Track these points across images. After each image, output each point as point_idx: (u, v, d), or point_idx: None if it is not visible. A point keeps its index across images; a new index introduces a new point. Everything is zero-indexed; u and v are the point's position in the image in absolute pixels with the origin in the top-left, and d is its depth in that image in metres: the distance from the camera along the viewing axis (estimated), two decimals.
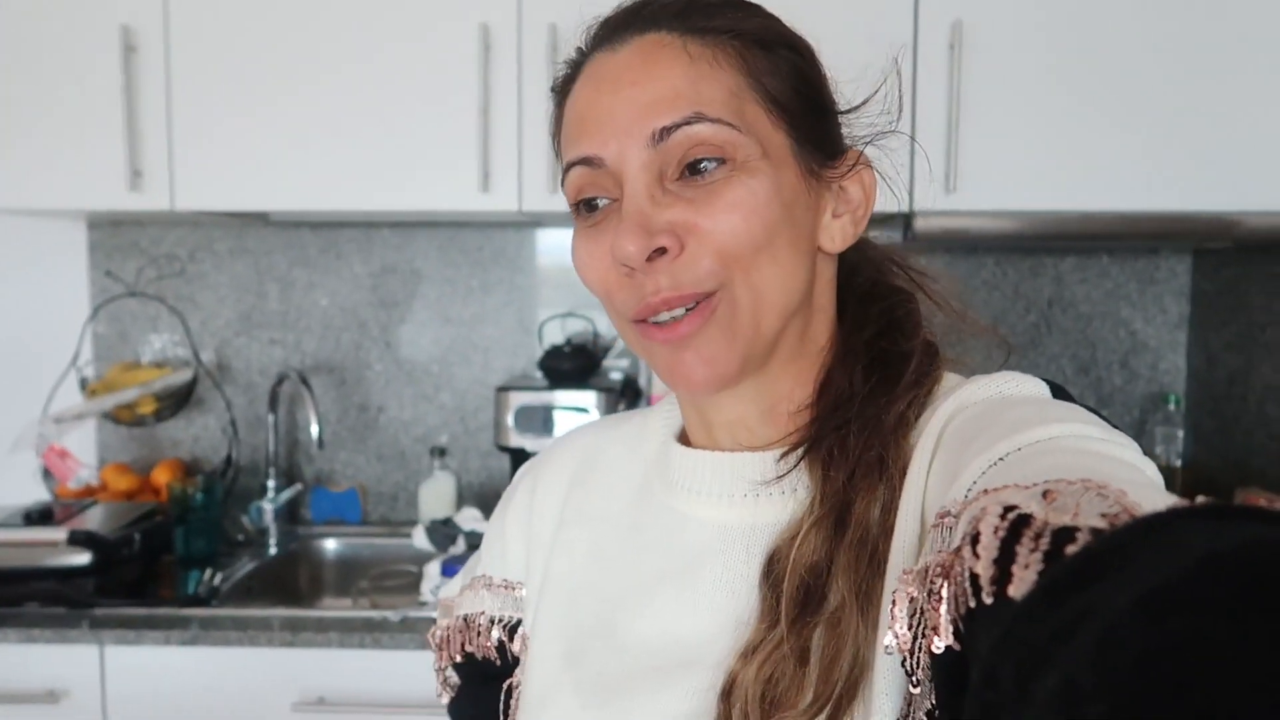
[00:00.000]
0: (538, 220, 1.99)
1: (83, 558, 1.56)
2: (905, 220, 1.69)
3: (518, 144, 1.69)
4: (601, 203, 0.57)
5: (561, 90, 0.61)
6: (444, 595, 0.76)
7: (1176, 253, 2.04)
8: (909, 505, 0.50)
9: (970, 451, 0.46)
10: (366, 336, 2.12)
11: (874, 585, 0.50)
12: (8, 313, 2.11)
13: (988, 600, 0.35)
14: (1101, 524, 0.34)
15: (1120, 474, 0.40)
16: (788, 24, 0.60)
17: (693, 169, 0.54)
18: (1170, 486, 1.90)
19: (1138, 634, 0.23)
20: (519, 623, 0.68)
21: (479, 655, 0.69)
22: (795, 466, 0.56)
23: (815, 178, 0.57)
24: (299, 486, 2.07)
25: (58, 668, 1.54)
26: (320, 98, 1.71)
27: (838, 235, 0.59)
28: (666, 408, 0.68)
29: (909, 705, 0.46)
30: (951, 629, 0.39)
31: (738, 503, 0.58)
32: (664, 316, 0.54)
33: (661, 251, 0.53)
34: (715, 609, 0.57)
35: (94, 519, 1.71)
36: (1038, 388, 0.54)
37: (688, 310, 0.54)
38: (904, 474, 0.52)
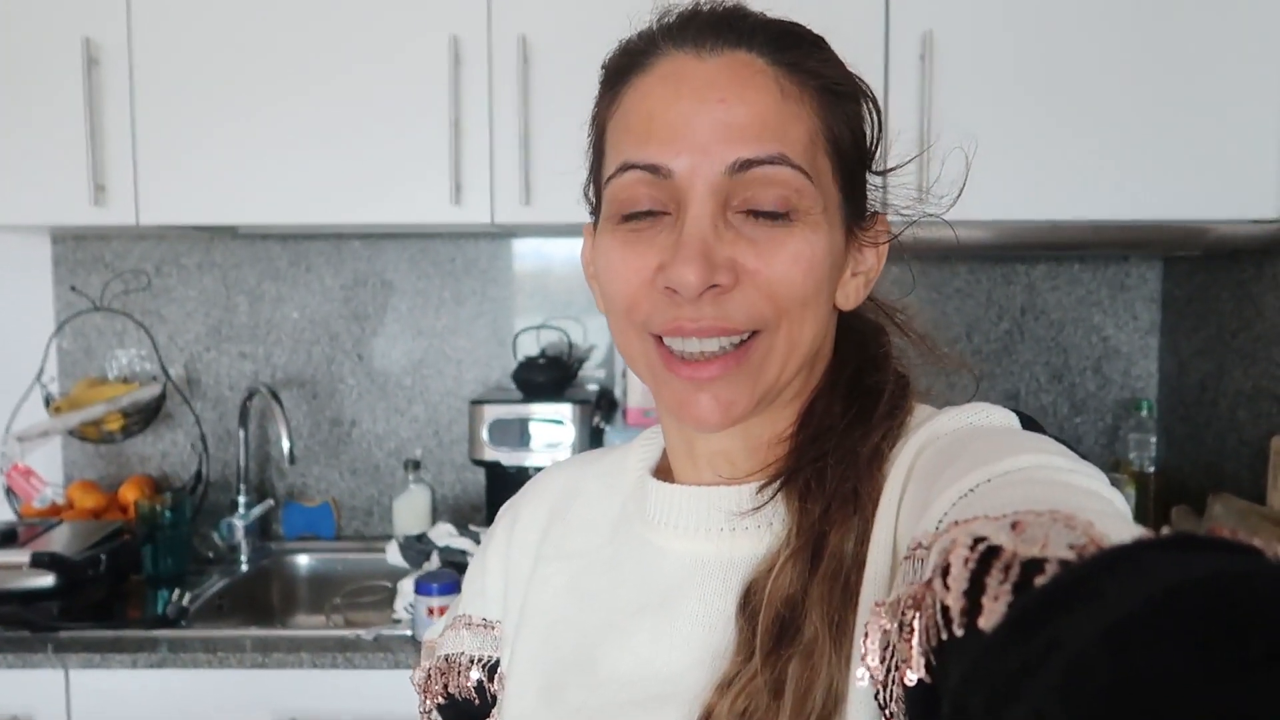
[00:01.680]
0: (510, 231, 1.98)
1: (46, 580, 1.53)
2: None
3: (489, 156, 1.67)
4: (652, 213, 0.55)
5: (619, 73, 0.58)
6: (428, 637, 0.75)
7: (1147, 259, 2.05)
8: (880, 537, 0.51)
9: (941, 483, 0.47)
10: (338, 349, 2.10)
11: (847, 617, 0.50)
12: None
13: (958, 632, 0.36)
14: (1069, 555, 0.34)
15: (1088, 505, 0.40)
16: (861, 78, 0.59)
17: (760, 209, 0.53)
18: (1143, 492, 1.92)
19: (1104, 666, 0.23)
20: (498, 662, 0.68)
21: (459, 696, 0.69)
22: (772, 499, 0.56)
23: (851, 237, 0.58)
24: (270, 502, 2.05)
25: (21, 693, 1.51)
26: (289, 109, 1.69)
27: (851, 294, 0.59)
28: (643, 442, 0.68)
29: None
30: (923, 661, 0.39)
31: (714, 536, 0.58)
32: (693, 346, 0.53)
33: (714, 286, 0.52)
34: (692, 642, 0.57)
35: (59, 539, 1.67)
36: (1007, 418, 0.54)
37: (720, 350, 0.53)
38: (876, 506, 0.52)
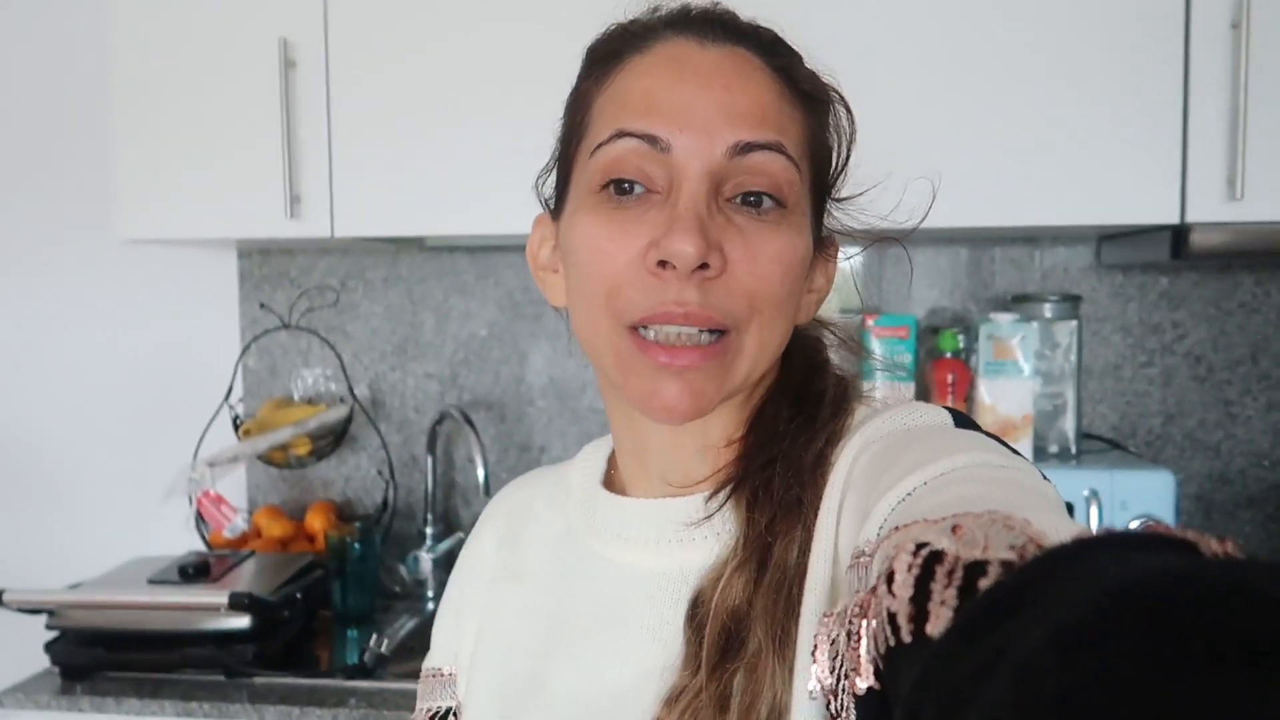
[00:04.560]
0: None
1: (242, 621, 1.42)
2: (1175, 234, 1.43)
3: None
4: (637, 189, 0.54)
5: (611, 54, 0.58)
6: (427, 665, 0.74)
7: None
8: (821, 546, 0.52)
9: (879, 489, 0.47)
10: (528, 369, 1.95)
11: (789, 629, 0.51)
12: (159, 346, 2.02)
13: (907, 639, 0.36)
14: (1010, 556, 0.35)
15: (1024, 500, 0.41)
16: (846, 100, 0.61)
17: (749, 198, 0.53)
18: None
19: (1052, 673, 0.24)
20: (449, 711, 0.69)
21: None
22: (721, 507, 0.56)
23: (814, 251, 0.59)
24: (460, 535, 1.91)
25: None
26: (483, 115, 1.54)
27: (804, 310, 0.60)
28: (585, 456, 0.68)
29: None
30: (872, 669, 0.39)
31: (665, 548, 0.58)
32: (672, 331, 0.53)
33: (703, 267, 0.51)
34: (643, 656, 0.56)
35: (251, 574, 1.57)
36: (940, 416, 0.55)
37: (701, 334, 0.53)
38: (817, 513, 0.53)
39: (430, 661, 0.73)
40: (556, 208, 0.61)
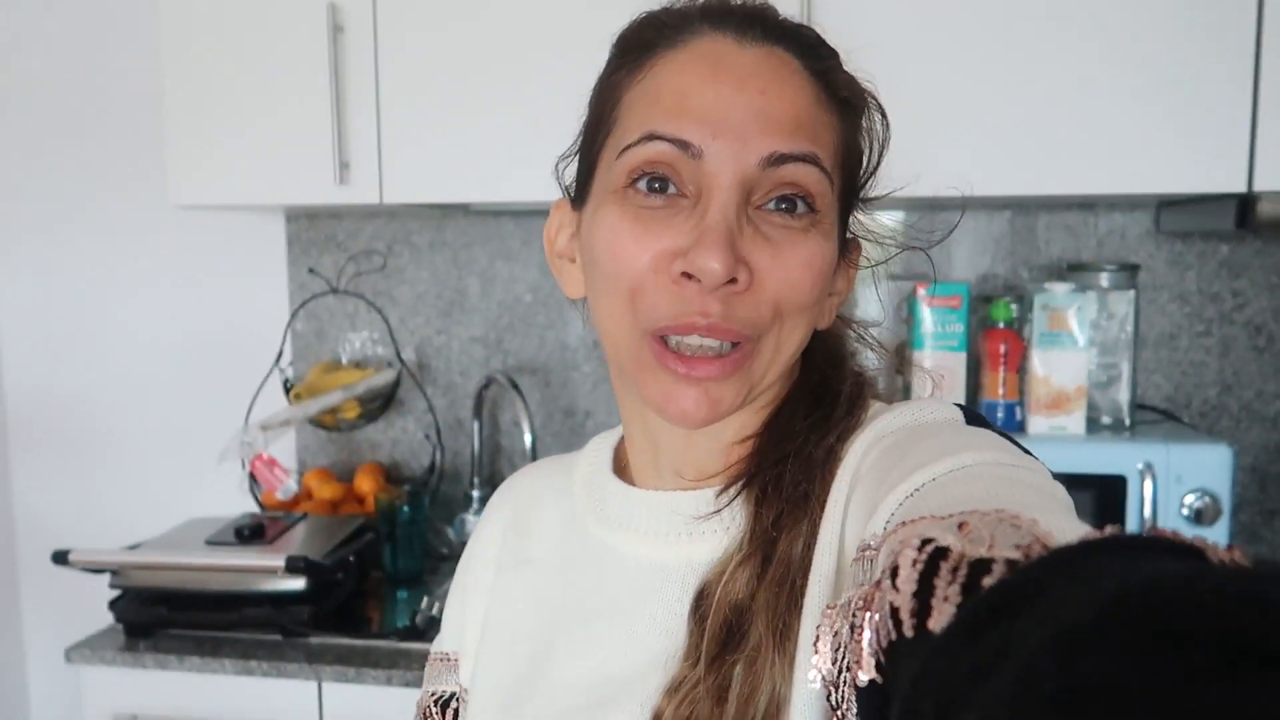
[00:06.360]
0: None
1: (298, 583, 1.45)
2: (1241, 203, 1.39)
3: None
4: (670, 189, 0.53)
5: (645, 46, 0.56)
6: (434, 649, 0.73)
7: None
8: (826, 539, 0.52)
9: (887, 484, 0.47)
10: (572, 334, 1.96)
11: (791, 623, 0.51)
12: (210, 310, 2.04)
13: (908, 633, 0.36)
14: (1016, 555, 0.35)
15: (1032, 500, 0.41)
16: (882, 105, 0.59)
17: (781, 204, 0.53)
18: None
19: (1052, 675, 0.24)
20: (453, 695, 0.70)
21: None
22: (731, 502, 0.56)
23: (838, 256, 0.58)
24: None
25: (276, 700, 1.44)
26: (532, 81, 1.53)
27: (826, 314, 0.60)
28: (594, 447, 0.68)
29: None
30: (874, 661, 0.39)
31: (673, 541, 0.58)
32: (694, 341, 0.52)
33: (730, 282, 0.51)
34: (648, 647, 0.57)
35: (305, 536, 1.60)
36: (951, 412, 0.55)
37: (719, 348, 0.53)
38: (824, 508, 0.53)
39: (438, 645, 0.72)
40: (578, 197, 0.60)
